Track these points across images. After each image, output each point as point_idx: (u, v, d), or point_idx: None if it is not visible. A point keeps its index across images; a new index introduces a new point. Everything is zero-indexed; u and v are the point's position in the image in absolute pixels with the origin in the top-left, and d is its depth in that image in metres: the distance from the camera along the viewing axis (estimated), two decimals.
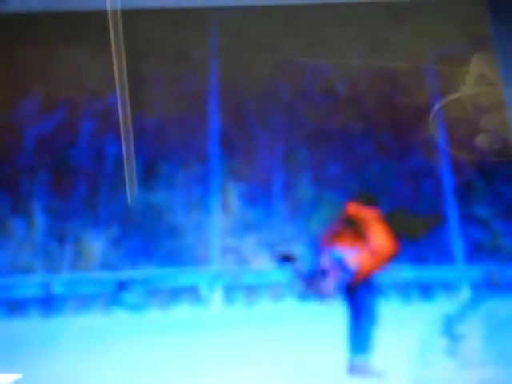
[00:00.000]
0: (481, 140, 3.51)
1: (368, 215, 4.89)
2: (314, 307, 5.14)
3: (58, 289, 5.53)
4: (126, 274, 5.65)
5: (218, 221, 5.69)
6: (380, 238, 4.83)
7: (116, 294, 5.62)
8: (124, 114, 3.37)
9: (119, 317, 5.49)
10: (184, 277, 5.66)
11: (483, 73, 3.45)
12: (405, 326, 4.82)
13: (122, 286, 5.62)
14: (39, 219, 5.68)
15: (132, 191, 3.47)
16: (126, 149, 3.37)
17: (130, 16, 3.72)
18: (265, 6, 4.03)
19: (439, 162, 5.15)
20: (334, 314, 4.93)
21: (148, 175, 5.41)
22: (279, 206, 5.81)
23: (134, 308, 5.55)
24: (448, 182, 5.61)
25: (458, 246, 5.73)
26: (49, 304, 5.49)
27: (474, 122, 3.54)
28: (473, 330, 4.69)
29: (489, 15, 3.41)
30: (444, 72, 4.00)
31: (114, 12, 3.31)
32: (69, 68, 4.74)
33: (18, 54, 4.47)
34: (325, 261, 4.74)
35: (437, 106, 3.57)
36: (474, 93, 3.48)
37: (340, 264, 4.74)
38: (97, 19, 3.53)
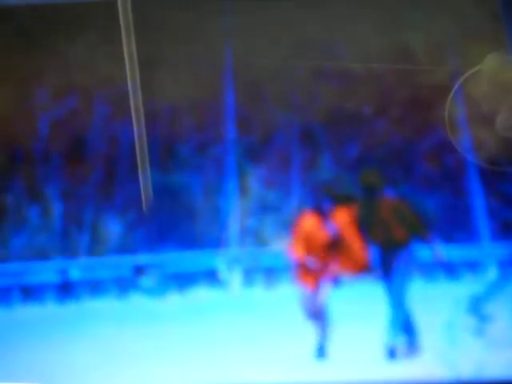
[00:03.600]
0: (500, 124, 3.46)
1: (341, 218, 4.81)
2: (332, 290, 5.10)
3: (74, 274, 5.55)
4: (143, 258, 5.64)
5: (236, 203, 5.69)
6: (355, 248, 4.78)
7: (133, 279, 5.61)
8: (135, 102, 3.31)
9: (137, 301, 5.51)
10: (202, 260, 5.64)
11: (497, 72, 3.41)
12: (431, 307, 4.78)
13: (139, 270, 5.62)
14: (55, 205, 5.71)
15: (145, 180, 3.41)
16: (138, 136, 3.29)
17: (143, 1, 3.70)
18: None
19: (461, 139, 5.09)
20: (353, 297, 4.92)
21: (164, 158, 5.41)
22: (298, 187, 5.80)
23: (152, 292, 5.56)
24: (471, 158, 5.56)
25: (483, 224, 5.71)
26: (65, 289, 5.50)
27: (493, 100, 3.49)
28: (500, 310, 4.63)
29: None
30: (463, 49, 3.98)
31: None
32: (82, 56, 4.81)
33: (30, 43, 4.54)
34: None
35: (457, 84, 3.51)
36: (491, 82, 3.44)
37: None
38: (108, 6, 3.50)
